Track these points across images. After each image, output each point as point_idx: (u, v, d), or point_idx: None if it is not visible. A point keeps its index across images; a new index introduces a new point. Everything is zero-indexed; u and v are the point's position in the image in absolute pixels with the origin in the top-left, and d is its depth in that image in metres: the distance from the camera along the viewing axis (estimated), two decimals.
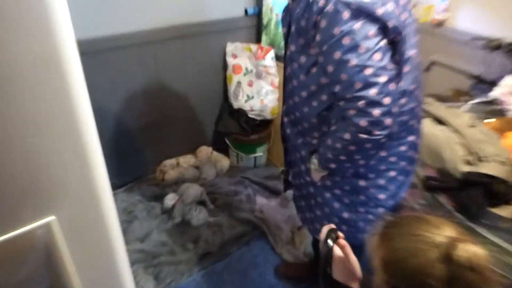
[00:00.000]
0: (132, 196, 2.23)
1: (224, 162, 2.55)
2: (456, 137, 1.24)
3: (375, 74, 0.89)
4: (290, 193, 1.78)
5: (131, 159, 2.30)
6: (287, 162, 1.39)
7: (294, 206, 1.43)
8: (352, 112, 0.94)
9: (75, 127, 0.61)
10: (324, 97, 1.04)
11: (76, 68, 0.59)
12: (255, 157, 2.56)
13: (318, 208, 1.28)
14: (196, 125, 2.48)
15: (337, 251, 0.87)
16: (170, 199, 2.09)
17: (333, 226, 0.90)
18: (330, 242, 0.87)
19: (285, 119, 1.25)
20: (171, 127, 2.36)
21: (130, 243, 1.93)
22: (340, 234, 0.89)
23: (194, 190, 2.12)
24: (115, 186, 2.24)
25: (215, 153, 2.62)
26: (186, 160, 2.51)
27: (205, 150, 2.59)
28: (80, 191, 0.67)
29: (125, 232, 2.00)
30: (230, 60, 2.27)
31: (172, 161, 2.48)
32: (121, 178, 2.28)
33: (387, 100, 0.91)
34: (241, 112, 2.34)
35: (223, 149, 2.59)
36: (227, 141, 2.53)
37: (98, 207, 0.70)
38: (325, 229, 0.90)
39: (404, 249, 0.65)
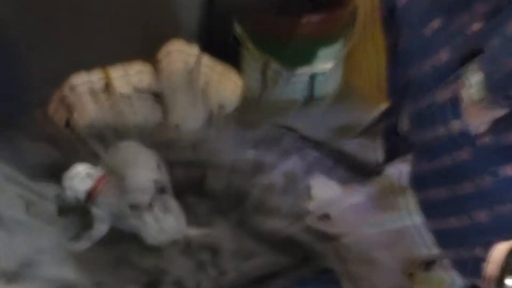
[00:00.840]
0: None
1: (228, 86, 2.58)
2: None
3: None
4: (400, 170, 1.94)
5: None
6: (395, 85, 1.61)
7: (412, 204, 1.66)
8: None
9: None
10: None
11: None
12: (311, 77, 2.55)
13: (480, 205, 1.41)
14: None
15: None
16: (79, 179, 2.12)
17: None
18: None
19: None
20: None
21: None
22: None
23: (144, 170, 2.17)
24: None
25: (206, 60, 2.61)
26: (131, 77, 2.55)
27: (180, 53, 2.59)
28: None
29: None
30: None
31: (92, 78, 2.50)
32: None
33: None
34: None
35: (226, 54, 2.63)
36: (237, 31, 2.58)
37: None
38: (499, 251, 1.04)
39: None
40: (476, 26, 1.25)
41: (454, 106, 1.34)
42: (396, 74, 1.57)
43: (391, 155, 1.72)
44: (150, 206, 2.16)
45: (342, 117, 2.56)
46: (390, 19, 1.50)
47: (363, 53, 2.63)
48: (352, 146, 2.41)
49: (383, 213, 2.21)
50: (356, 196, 2.28)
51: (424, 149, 1.51)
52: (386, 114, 1.68)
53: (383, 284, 2.04)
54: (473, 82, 1.26)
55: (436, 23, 1.35)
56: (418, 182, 1.59)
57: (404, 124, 1.58)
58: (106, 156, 2.25)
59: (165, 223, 2.10)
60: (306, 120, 2.54)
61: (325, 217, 2.19)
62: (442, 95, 1.37)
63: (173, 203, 2.16)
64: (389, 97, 1.64)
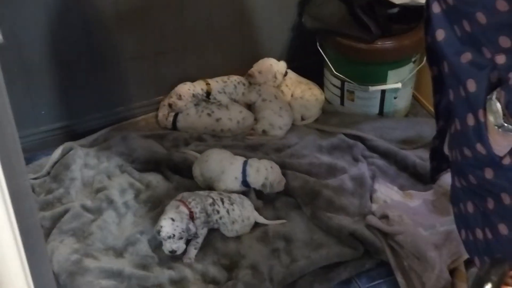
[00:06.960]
0: (101, 156, 2.54)
1: (311, 99, 2.70)
2: None
3: None
4: (446, 181, 1.91)
5: (104, 85, 2.70)
6: (441, 111, 1.53)
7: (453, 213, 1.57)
8: None
9: None
10: None
11: None
12: (382, 93, 2.64)
13: (501, 219, 1.37)
14: (249, 11, 2.73)
15: None
16: (180, 221, 2.16)
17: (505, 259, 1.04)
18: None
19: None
20: (184, 14, 2.68)
21: (96, 254, 2.18)
22: None
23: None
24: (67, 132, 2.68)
25: (292, 76, 2.81)
26: (228, 87, 2.76)
27: (270, 68, 2.77)
28: None
29: (83, 232, 2.27)
30: None
31: (195, 87, 2.74)
32: (81, 115, 2.74)
33: None
34: None
35: (311, 70, 2.78)
36: (321, 51, 2.64)
37: None
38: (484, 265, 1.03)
39: None
40: (501, 59, 1.20)
41: (480, 134, 1.28)
42: (441, 101, 1.49)
43: (437, 169, 1.65)
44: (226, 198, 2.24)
45: (408, 131, 2.62)
46: (433, 50, 1.41)
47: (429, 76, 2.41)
48: (414, 157, 2.48)
49: (437, 217, 2.27)
50: (414, 201, 2.35)
51: (460, 165, 1.42)
52: (433, 138, 1.60)
53: (429, 277, 2.03)
54: (495, 108, 1.22)
55: (468, 55, 1.29)
56: (457, 195, 1.50)
57: (447, 141, 1.52)
58: (197, 163, 2.35)
59: (233, 213, 2.20)
60: (376, 132, 2.62)
61: (385, 217, 2.25)
62: (470, 120, 1.30)
63: (234, 196, 2.26)
64: (436, 122, 1.56)
